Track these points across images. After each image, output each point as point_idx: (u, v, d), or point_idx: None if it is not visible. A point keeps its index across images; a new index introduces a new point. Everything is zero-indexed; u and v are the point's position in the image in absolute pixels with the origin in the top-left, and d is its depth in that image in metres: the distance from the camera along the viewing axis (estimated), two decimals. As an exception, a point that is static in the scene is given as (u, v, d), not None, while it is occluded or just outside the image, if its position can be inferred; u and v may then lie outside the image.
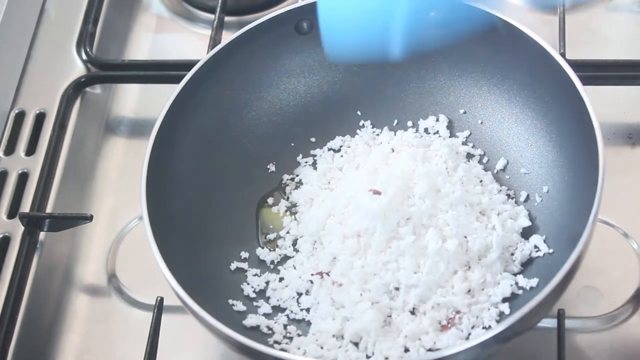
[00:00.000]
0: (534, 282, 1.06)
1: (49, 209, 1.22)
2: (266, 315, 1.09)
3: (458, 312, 1.05)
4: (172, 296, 1.02)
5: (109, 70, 1.35)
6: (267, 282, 1.12)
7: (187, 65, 1.17)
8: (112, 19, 1.41)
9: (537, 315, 0.98)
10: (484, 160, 1.19)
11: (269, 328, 1.08)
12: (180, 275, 1.02)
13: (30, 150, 1.28)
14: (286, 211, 1.18)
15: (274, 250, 1.15)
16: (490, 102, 1.19)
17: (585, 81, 1.07)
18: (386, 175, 1.11)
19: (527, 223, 1.11)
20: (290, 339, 1.07)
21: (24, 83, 1.35)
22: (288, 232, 1.16)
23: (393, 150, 1.17)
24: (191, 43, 1.42)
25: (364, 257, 1.09)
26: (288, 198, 1.19)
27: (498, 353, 1.03)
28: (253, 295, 1.11)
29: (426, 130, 1.21)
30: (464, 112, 1.21)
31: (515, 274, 1.08)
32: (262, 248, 1.15)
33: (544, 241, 1.09)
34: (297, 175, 1.21)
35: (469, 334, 1.04)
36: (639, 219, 1.17)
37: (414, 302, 1.06)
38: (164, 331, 1.11)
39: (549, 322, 1.08)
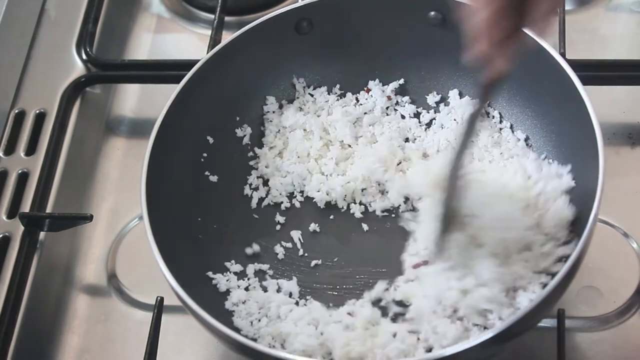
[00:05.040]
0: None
1: (49, 209, 1.22)
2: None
3: None
4: (172, 296, 1.02)
5: (109, 70, 1.35)
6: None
7: (187, 65, 1.17)
8: (112, 19, 1.41)
9: (537, 315, 0.98)
10: (484, 160, 1.19)
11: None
12: (180, 275, 1.02)
13: (30, 150, 1.28)
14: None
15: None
16: (490, 102, 1.19)
17: (585, 81, 1.07)
18: None
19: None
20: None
21: (24, 83, 1.35)
22: None
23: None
24: (191, 43, 1.41)
25: None
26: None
27: (498, 353, 1.03)
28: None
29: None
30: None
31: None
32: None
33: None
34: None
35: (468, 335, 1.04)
36: (639, 219, 1.16)
37: None
38: (164, 331, 1.11)
39: (549, 322, 1.08)
